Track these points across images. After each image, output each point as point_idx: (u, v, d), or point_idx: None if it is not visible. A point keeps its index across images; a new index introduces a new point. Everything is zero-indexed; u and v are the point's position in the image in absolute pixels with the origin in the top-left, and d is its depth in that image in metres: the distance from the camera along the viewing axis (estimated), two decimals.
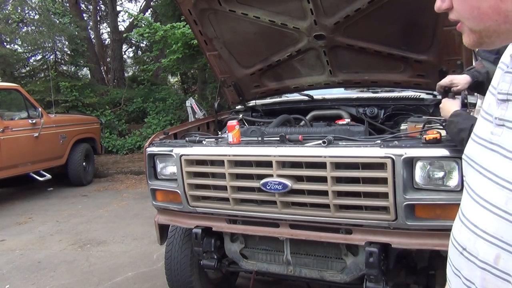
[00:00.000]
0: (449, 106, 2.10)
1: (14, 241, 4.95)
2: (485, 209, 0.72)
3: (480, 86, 2.19)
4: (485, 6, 0.68)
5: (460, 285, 0.76)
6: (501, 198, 0.69)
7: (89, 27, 14.79)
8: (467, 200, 0.78)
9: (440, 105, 2.22)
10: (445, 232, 1.78)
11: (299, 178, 2.29)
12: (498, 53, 2.01)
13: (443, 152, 2.01)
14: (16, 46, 11.50)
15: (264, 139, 2.49)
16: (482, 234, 0.72)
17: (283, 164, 2.33)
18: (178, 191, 2.59)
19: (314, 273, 2.48)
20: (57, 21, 10.77)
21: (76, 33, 10.93)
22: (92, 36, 15.06)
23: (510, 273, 0.67)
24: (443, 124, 2.19)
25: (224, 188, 2.47)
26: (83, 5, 15.43)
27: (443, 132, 2.14)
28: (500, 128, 0.71)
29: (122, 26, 15.93)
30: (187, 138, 2.68)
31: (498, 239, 0.69)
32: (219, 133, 3.31)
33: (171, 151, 2.59)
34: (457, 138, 1.89)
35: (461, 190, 1.91)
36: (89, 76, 13.40)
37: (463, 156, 0.82)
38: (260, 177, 2.33)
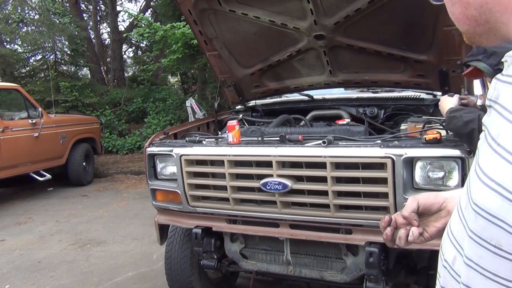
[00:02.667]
0: (446, 103, 2.10)
1: (14, 241, 4.95)
2: (456, 210, 0.75)
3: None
4: (456, 13, 0.72)
5: (437, 281, 0.80)
6: (463, 202, 0.71)
7: (89, 27, 14.80)
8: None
9: (439, 103, 2.22)
10: None
11: (299, 178, 2.29)
12: (486, 51, 2.01)
13: (443, 152, 2.01)
14: (16, 46, 11.50)
15: (264, 139, 2.49)
16: (450, 235, 0.75)
17: (283, 164, 2.33)
18: (178, 191, 2.59)
19: (314, 273, 2.48)
20: (57, 21, 10.77)
21: (76, 33, 10.94)
22: (92, 36, 15.06)
23: (460, 274, 0.69)
24: (443, 122, 2.19)
25: (224, 188, 2.47)
26: (83, 5, 15.43)
27: (443, 132, 2.14)
28: (483, 133, 0.73)
29: (122, 26, 15.97)
30: (187, 138, 2.68)
31: (456, 241, 0.72)
32: (219, 133, 3.31)
33: (171, 151, 2.59)
34: (464, 131, 1.85)
35: None
36: (89, 76, 13.39)
37: None
38: (260, 177, 2.33)
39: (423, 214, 0.93)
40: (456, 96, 2.18)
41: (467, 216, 0.68)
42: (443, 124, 2.19)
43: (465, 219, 0.69)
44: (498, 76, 0.72)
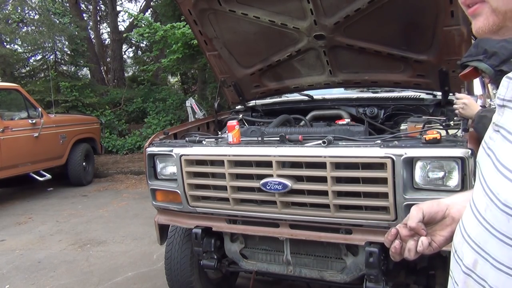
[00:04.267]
0: (475, 104, 2.16)
1: (14, 241, 4.95)
2: (472, 213, 0.72)
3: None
4: None
5: (451, 286, 0.77)
6: (482, 204, 0.69)
7: (89, 27, 14.79)
8: (468, 203, 0.78)
9: (467, 101, 2.23)
10: None
11: (299, 178, 2.29)
12: (486, 52, 2.01)
13: (443, 152, 2.00)
14: (16, 46, 11.49)
15: (264, 139, 2.49)
16: (467, 238, 0.72)
17: (283, 164, 2.33)
18: (178, 191, 2.59)
19: (314, 273, 2.48)
20: (57, 21, 10.76)
21: (76, 33, 10.93)
22: (92, 36, 15.06)
23: (486, 279, 0.67)
24: (443, 122, 2.20)
25: (224, 188, 2.47)
26: (83, 5, 15.43)
27: (443, 132, 2.14)
28: (496, 133, 0.70)
29: (122, 26, 15.96)
30: (187, 138, 2.68)
31: (476, 244, 0.69)
32: (219, 133, 3.31)
33: (171, 151, 2.59)
34: None
35: (461, 190, 1.91)
36: (89, 76, 13.39)
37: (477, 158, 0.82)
38: (260, 177, 2.33)
39: (428, 223, 0.89)
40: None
41: (493, 218, 0.65)
42: (445, 124, 2.19)
43: (488, 222, 0.66)
44: (510, 75, 0.71)
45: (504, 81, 0.71)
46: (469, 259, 0.70)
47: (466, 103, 2.20)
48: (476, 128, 2.05)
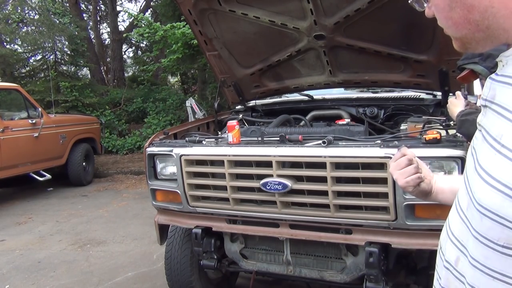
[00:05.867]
0: (456, 106, 2.10)
1: (14, 241, 4.95)
2: (457, 211, 0.74)
3: None
4: (455, 17, 0.71)
5: (435, 282, 0.80)
6: (464, 203, 0.70)
7: (89, 27, 14.79)
8: (454, 202, 0.80)
9: (447, 104, 2.21)
10: None
11: (299, 178, 2.29)
12: (482, 54, 2.01)
13: (443, 152, 2.00)
14: (16, 46, 11.50)
15: (264, 139, 2.49)
16: (451, 236, 0.74)
17: (283, 164, 2.33)
18: (178, 191, 2.59)
19: (314, 273, 2.48)
20: (57, 21, 10.77)
21: (76, 33, 10.93)
22: (92, 36, 15.06)
23: (465, 276, 0.68)
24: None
25: (224, 188, 2.47)
26: (83, 5, 15.43)
27: (443, 132, 2.14)
28: (479, 133, 0.72)
29: (122, 26, 15.97)
30: (187, 138, 2.68)
31: (459, 242, 0.71)
32: (219, 133, 3.31)
33: (171, 151, 2.59)
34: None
35: None
36: (89, 76, 13.39)
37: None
38: (260, 177, 2.33)
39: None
40: (462, 99, 2.17)
41: (471, 217, 0.67)
42: (445, 124, 2.19)
43: (468, 220, 0.68)
44: (493, 76, 0.71)
45: (488, 81, 0.72)
46: (452, 256, 0.73)
47: (448, 105, 2.20)
48: (460, 133, 2.05)
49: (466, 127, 1.93)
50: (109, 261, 4.23)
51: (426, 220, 2.08)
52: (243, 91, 3.45)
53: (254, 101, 3.54)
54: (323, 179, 2.21)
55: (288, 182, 2.25)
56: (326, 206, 2.24)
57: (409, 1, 0.84)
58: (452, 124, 2.47)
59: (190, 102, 7.98)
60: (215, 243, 2.68)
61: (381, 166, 2.10)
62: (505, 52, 0.70)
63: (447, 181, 1.03)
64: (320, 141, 2.26)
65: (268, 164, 2.32)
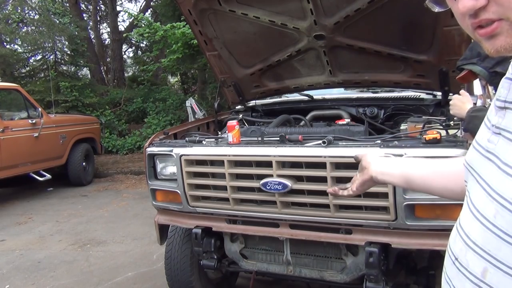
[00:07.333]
0: (464, 102, 2.08)
1: (14, 241, 4.95)
2: (477, 219, 0.69)
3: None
4: None
5: None
6: (490, 210, 0.66)
7: (89, 27, 14.79)
8: (465, 208, 0.75)
9: (451, 102, 2.18)
10: (445, 232, 1.78)
11: (299, 178, 2.29)
12: (479, 55, 2.00)
13: (443, 152, 2.00)
14: (16, 46, 11.49)
15: (264, 139, 2.49)
16: (472, 245, 0.69)
17: (283, 164, 2.33)
18: (178, 191, 2.59)
19: (314, 273, 2.48)
20: (57, 21, 10.76)
21: (76, 33, 10.93)
22: (92, 36, 15.05)
23: (496, 287, 0.64)
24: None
25: (224, 188, 2.47)
26: (83, 5, 15.42)
27: (443, 132, 2.14)
28: (496, 136, 0.68)
29: (122, 26, 15.96)
30: (187, 138, 2.68)
31: (485, 252, 0.66)
32: (219, 133, 3.31)
33: (171, 151, 2.59)
34: None
35: None
36: (89, 76, 13.38)
37: (463, 162, 0.80)
38: (260, 177, 2.33)
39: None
40: (469, 96, 2.16)
41: (505, 224, 0.63)
42: (445, 124, 2.18)
43: (500, 228, 0.64)
44: (510, 76, 0.69)
45: (505, 82, 0.69)
46: (477, 267, 0.67)
47: (452, 103, 2.19)
48: (468, 129, 2.04)
49: (475, 123, 1.92)
50: (109, 261, 4.23)
51: (426, 220, 2.08)
52: (243, 91, 3.45)
53: (254, 101, 3.54)
54: (323, 179, 2.21)
55: (288, 182, 2.25)
56: (326, 206, 2.24)
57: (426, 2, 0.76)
58: (452, 124, 2.47)
59: (190, 102, 7.98)
60: (215, 243, 2.68)
61: None
62: None
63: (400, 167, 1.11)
64: (320, 141, 2.26)
65: (268, 164, 2.32)
